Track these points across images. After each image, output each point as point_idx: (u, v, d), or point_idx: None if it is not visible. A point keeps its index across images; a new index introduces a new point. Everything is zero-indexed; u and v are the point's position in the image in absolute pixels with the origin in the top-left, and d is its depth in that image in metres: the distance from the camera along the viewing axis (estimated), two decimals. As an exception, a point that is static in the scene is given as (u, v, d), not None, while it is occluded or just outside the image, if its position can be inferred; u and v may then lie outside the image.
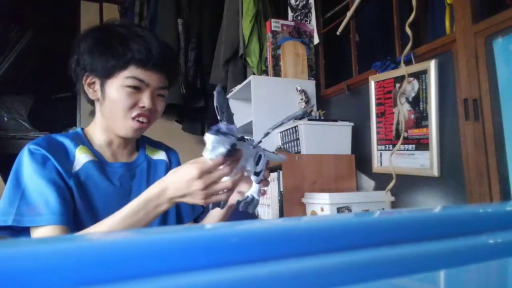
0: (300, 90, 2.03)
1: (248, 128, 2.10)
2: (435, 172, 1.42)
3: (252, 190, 0.79)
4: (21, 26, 3.20)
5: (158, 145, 1.01)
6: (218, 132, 0.66)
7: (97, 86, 0.83)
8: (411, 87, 1.54)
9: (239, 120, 2.25)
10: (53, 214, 0.71)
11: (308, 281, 0.23)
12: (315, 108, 2.06)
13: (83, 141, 0.86)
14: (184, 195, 0.66)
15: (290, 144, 1.89)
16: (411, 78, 1.54)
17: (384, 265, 0.26)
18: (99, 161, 0.85)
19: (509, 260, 0.29)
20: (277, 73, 2.14)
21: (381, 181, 1.71)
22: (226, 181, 0.70)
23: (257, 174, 0.79)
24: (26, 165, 0.75)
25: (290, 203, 1.70)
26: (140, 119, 0.82)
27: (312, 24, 2.28)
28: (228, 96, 2.37)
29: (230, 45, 2.36)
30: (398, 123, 1.61)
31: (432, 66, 1.44)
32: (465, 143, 1.34)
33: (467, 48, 1.33)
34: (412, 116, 1.54)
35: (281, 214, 1.76)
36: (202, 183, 0.65)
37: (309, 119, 1.83)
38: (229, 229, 0.28)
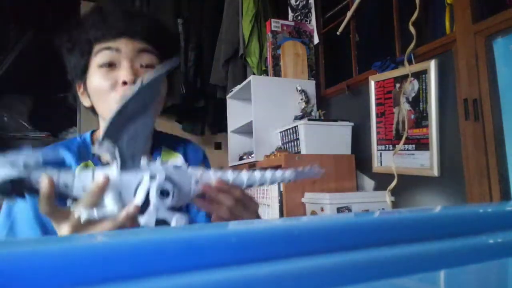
0: (300, 90, 2.03)
1: (248, 128, 2.10)
2: (435, 172, 1.42)
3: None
4: (21, 26, 3.20)
5: (177, 147, 0.84)
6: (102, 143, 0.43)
7: (82, 89, 0.73)
8: (411, 87, 1.54)
9: (239, 120, 2.25)
10: None
11: (308, 281, 0.23)
12: (315, 108, 2.06)
13: (88, 153, 0.74)
14: None
15: (290, 144, 1.89)
16: (411, 78, 1.54)
17: (384, 265, 0.26)
18: None
19: (509, 260, 0.29)
20: (277, 73, 2.14)
21: (381, 181, 1.71)
22: None
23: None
24: None
25: (290, 203, 1.70)
26: None
27: (312, 24, 2.28)
28: (228, 96, 2.37)
29: (230, 45, 2.36)
30: (398, 123, 1.61)
31: (432, 66, 1.44)
32: (465, 143, 1.34)
33: (467, 48, 1.33)
34: (412, 116, 1.54)
35: (281, 214, 1.76)
36: None
37: (309, 119, 1.83)
38: (229, 229, 0.28)
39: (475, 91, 1.30)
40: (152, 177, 0.45)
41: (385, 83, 1.68)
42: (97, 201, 0.44)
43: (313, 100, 2.10)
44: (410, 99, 1.55)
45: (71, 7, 3.27)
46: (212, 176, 0.51)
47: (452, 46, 1.40)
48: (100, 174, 0.44)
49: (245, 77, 2.29)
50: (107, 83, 0.66)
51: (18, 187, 0.40)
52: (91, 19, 0.69)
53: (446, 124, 1.42)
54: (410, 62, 1.55)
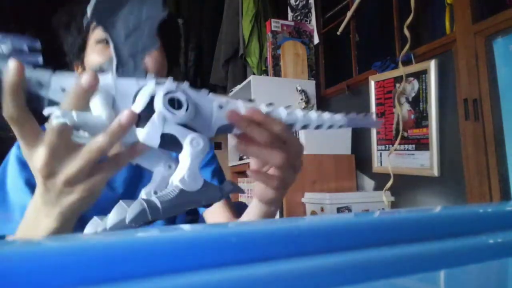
0: (300, 90, 2.03)
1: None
2: (435, 172, 1.42)
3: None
4: (21, 26, 3.20)
5: None
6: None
7: (80, 69, 0.69)
8: (411, 87, 1.54)
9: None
10: None
11: (308, 281, 0.23)
12: (315, 108, 2.06)
13: None
14: None
15: (290, 144, 1.89)
16: (411, 78, 1.54)
17: (384, 265, 0.26)
18: None
19: (509, 260, 0.29)
20: (277, 73, 2.14)
21: (381, 181, 1.71)
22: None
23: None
24: (11, 164, 0.66)
25: (290, 203, 1.70)
26: None
27: (312, 24, 2.28)
28: (228, 96, 2.37)
29: (230, 45, 2.36)
30: (398, 123, 1.61)
31: (432, 66, 1.44)
32: (465, 143, 1.34)
33: (467, 48, 1.33)
34: (412, 116, 1.54)
35: (281, 214, 1.76)
36: None
37: (309, 119, 1.83)
38: (229, 229, 0.28)
39: (475, 91, 1.30)
40: (159, 84, 0.33)
41: (385, 83, 1.68)
42: (80, 105, 0.32)
43: (313, 100, 2.10)
44: (410, 99, 1.55)
45: (71, 7, 3.27)
46: (241, 105, 0.38)
47: (452, 46, 1.40)
48: (87, 73, 0.32)
49: (245, 77, 2.29)
50: (104, 59, 0.59)
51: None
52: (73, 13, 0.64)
53: (446, 124, 1.42)
54: (409, 63, 1.55)
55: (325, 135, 1.81)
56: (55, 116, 0.31)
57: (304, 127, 0.42)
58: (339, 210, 1.53)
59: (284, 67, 2.14)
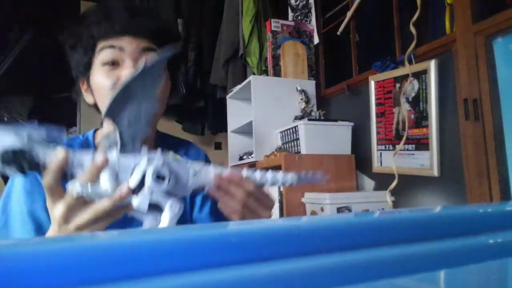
0: (300, 90, 2.03)
1: (248, 128, 2.10)
2: (435, 172, 1.42)
3: None
4: (21, 26, 3.20)
5: (178, 148, 0.83)
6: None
7: (85, 86, 0.71)
8: (411, 87, 1.54)
9: (239, 120, 2.25)
10: None
11: (308, 281, 0.23)
12: (315, 108, 2.06)
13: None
14: None
15: (290, 144, 1.89)
16: (411, 78, 1.54)
17: (384, 265, 0.26)
18: None
19: (509, 260, 0.29)
20: (277, 73, 2.14)
21: (381, 181, 1.71)
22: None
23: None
24: (17, 191, 0.67)
25: (290, 203, 1.70)
26: None
27: (312, 24, 2.28)
28: (228, 96, 2.38)
29: (230, 45, 2.36)
30: (398, 123, 1.61)
31: (432, 66, 1.44)
32: (465, 143, 1.34)
33: (467, 48, 1.33)
34: (412, 116, 1.54)
35: (281, 214, 1.76)
36: None
37: (309, 119, 1.83)
38: (229, 229, 0.28)
39: (475, 91, 1.30)
40: (150, 161, 0.45)
41: (385, 83, 1.68)
42: (93, 179, 0.44)
43: (313, 100, 2.10)
44: (410, 99, 1.55)
45: (71, 7, 3.27)
46: (211, 170, 0.50)
47: (452, 46, 1.40)
48: (100, 154, 0.44)
49: (245, 77, 2.29)
50: (110, 81, 0.65)
51: (19, 159, 0.38)
52: (94, 16, 0.67)
53: (446, 124, 1.42)
54: (410, 62, 1.55)
55: (325, 135, 1.81)
56: (75, 189, 0.42)
57: (272, 184, 0.54)
58: (339, 210, 1.53)
59: (284, 67, 2.14)
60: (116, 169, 0.44)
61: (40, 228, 0.65)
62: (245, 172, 0.52)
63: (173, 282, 0.20)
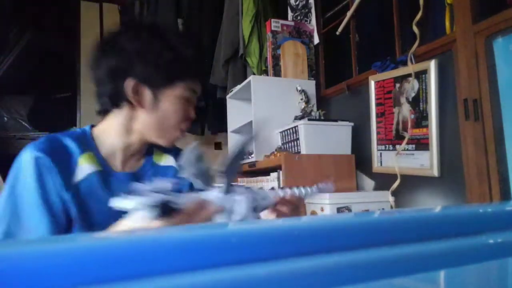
0: (300, 90, 2.03)
1: (248, 127, 2.10)
2: (435, 172, 1.42)
3: None
4: (21, 26, 3.20)
5: (167, 148, 0.88)
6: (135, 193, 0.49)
7: (148, 94, 0.75)
8: (411, 87, 1.54)
9: (239, 120, 2.25)
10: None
11: (308, 281, 0.23)
12: (315, 108, 2.06)
13: (90, 145, 0.77)
14: None
15: (290, 144, 1.89)
16: (411, 78, 1.54)
17: (384, 265, 0.26)
18: (104, 171, 0.77)
19: (509, 260, 0.29)
20: (277, 73, 2.14)
21: (381, 181, 1.71)
22: None
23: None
24: (24, 176, 0.69)
25: (290, 203, 1.69)
26: (183, 128, 0.81)
27: (312, 24, 2.28)
28: (228, 96, 2.37)
29: (230, 45, 2.36)
30: (398, 123, 1.61)
31: (432, 66, 1.44)
32: (465, 143, 1.34)
33: (467, 48, 1.33)
34: (412, 116, 1.54)
35: (281, 214, 1.76)
36: None
37: (309, 119, 1.83)
38: (229, 229, 0.28)
39: (475, 91, 1.30)
40: (247, 198, 0.60)
41: (385, 83, 1.68)
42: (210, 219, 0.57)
43: (313, 100, 2.10)
44: (410, 99, 1.55)
45: (71, 7, 3.27)
46: (272, 194, 0.67)
47: (452, 46, 1.40)
48: (212, 198, 0.57)
49: (245, 77, 2.29)
50: (183, 114, 0.78)
51: (165, 209, 0.48)
52: (184, 47, 0.77)
53: (446, 124, 1.42)
54: (410, 62, 1.55)
55: (325, 135, 1.81)
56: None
57: (305, 196, 0.73)
58: (339, 210, 1.53)
59: (284, 67, 2.14)
60: (224, 205, 0.59)
61: (54, 216, 0.69)
62: (295, 191, 0.70)
63: (173, 282, 0.20)
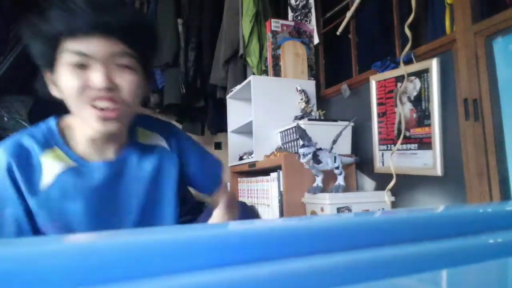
0: (300, 90, 2.03)
1: (248, 127, 2.10)
2: (438, 171, 1.42)
3: (339, 180, 1.52)
4: (21, 26, 3.19)
5: (154, 126, 0.80)
6: (304, 146, 1.22)
7: (50, 78, 0.66)
8: (413, 86, 1.54)
9: (239, 120, 2.25)
10: None
11: (308, 281, 0.23)
12: (315, 108, 2.06)
13: (55, 140, 0.69)
14: None
15: (290, 144, 1.89)
16: (413, 77, 1.54)
17: (384, 265, 0.26)
18: (76, 166, 0.68)
19: (509, 260, 0.29)
20: (277, 73, 2.14)
21: (382, 181, 1.71)
22: None
23: (336, 168, 1.46)
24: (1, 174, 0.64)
25: (290, 203, 1.70)
26: (99, 103, 0.62)
27: (312, 24, 2.28)
28: (228, 96, 2.38)
29: (230, 45, 2.36)
30: (400, 123, 1.61)
31: (434, 64, 1.44)
32: (465, 143, 1.34)
33: (467, 48, 1.33)
34: (414, 115, 1.54)
35: (281, 214, 1.76)
36: None
37: (309, 119, 1.83)
38: (229, 229, 0.28)
39: (475, 91, 1.30)
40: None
41: (386, 82, 1.68)
42: None
43: (313, 100, 2.10)
44: (412, 98, 1.55)
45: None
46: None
47: (452, 46, 1.40)
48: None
49: (245, 77, 2.29)
50: (74, 84, 0.61)
51: (315, 154, 1.01)
52: (55, 8, 0.59)
53: (448, 123, 1.42)
54: (410, 63, 1.55)
55: (325, 135, 1.80)
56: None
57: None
58: (339, 210, 1.53)
59: (284, 67, 2.14)
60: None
61: (20, 231, 0.64)
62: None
63: (174, 282, 0.20)
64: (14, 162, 0.64)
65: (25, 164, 0.65)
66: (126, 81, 0.63)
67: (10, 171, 0.64)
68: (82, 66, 0.61)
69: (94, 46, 0.59)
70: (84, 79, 0.61)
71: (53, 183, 0.66)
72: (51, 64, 0.63)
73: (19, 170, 0.64)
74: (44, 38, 0.61)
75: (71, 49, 0.60)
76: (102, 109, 0.62)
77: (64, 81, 0.62)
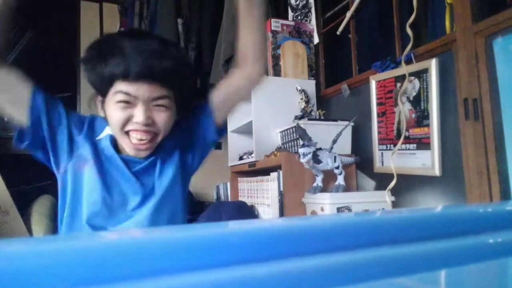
0: (300, 90, 2.03)
1: (248, 127, 2.10)
2: (437, 172, 1.42)
3: (339, 179, 1.52)
4: (21, 26, 3.20)
5: None
6: (304, 146, 1.23)
7: (100, 106, 0.83)
8: (412, 86, 1.54)
9: (239, 120, 2.25)
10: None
11: (308, 281, 0.23)
12: (315, 108, 2.06)
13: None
14: None
15: (290, 144, 1.89)
16: (412, 77, 1.53)
17: (384, 265, 0.26)
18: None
19: (509, 260, 0.29)
20: (277, 73, 2.13)
21: (382, 181, 1.71)
22: None
23: (337, 168, 1.47)
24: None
25: (290, 203, 1.70)
26: (136, 135, 0.78)
27: (312, 24, 2.28)
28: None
29: (230, 45, 2.36)
30: (399, 123, 1.61)
31: (433, 64, 1.44)
32: (465, 143, 1.34)
33: (467, 48, 1.33)
34: (413, 115, 1.54)
35: (281, 214, 1.76)
36: None
37: (309, 119, 1.83)
38: (229, 229, 0.28)
39: (475, 91, 1.30)
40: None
41: (386, 82, 1.68)
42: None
43: (313, 100, 2.10)
44: (411, 98, 1.55)
45: (71, 7, 3.26)
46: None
47: (452, 46, 1.40)
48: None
49: (245, 77, 2.28)
50: (120, 118, 0.77)
51: (315, 154, 1.06)
52: (116, 51, 0.74)
53: (447, 124, 1.42)
54: (409, 62, 1.55)
55: (325, 135, 1.80)
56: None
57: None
58: (339, 210, 1.53)
59: (284, 67, 2.14)
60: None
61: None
62: None
63: (174, 282, 0.20)
64: (88, 121, 0.87)
65: (94, 127, 0.87)
66: (161, 118, 0.80)
67: (87, 123, 0.87)
68: (128, 103, 0.77)
69: (140, 89, 0.76)
70: (128, 114, 0.77)
71: (104, 138, 0.85)
72: (103, 95, 0.80)
73: (89, 127, 0.86)
74: (102, 77, 0.76)
75: (123, 90, 0.75)
76: (141, 140, 0.79)
77: (113, 112, 0.78)
